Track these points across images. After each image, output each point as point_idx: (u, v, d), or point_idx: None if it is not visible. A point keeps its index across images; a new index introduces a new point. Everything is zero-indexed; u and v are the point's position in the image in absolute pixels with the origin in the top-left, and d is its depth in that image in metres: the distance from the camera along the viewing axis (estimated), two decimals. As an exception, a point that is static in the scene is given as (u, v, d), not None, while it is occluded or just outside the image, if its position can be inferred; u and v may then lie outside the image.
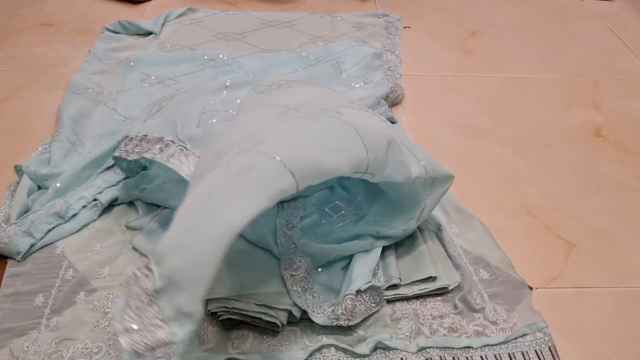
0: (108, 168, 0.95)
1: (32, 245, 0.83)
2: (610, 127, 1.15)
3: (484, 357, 0.72)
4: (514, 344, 0.73)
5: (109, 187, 0.92)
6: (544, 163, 1.05)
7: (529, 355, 0.72)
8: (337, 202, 0.87)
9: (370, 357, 0.71)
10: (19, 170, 0.93)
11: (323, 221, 0.84)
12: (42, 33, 1.41)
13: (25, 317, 0.74)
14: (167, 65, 1.24)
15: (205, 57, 1.27)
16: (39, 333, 0.73)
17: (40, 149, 1.00)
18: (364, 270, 0.75)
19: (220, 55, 1.28)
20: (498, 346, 0.73)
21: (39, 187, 0.92)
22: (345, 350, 0.71)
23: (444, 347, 0.72)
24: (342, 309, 0.71)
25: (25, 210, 0.87)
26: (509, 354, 0.72)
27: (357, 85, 1.20)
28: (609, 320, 0.77)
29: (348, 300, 0.72)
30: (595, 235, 0.91)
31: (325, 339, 0.72)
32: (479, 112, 1.18)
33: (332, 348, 0.71)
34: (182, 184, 0.77)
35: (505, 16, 1.59)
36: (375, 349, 0.72)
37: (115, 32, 1.39)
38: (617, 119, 1.17)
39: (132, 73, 1.22)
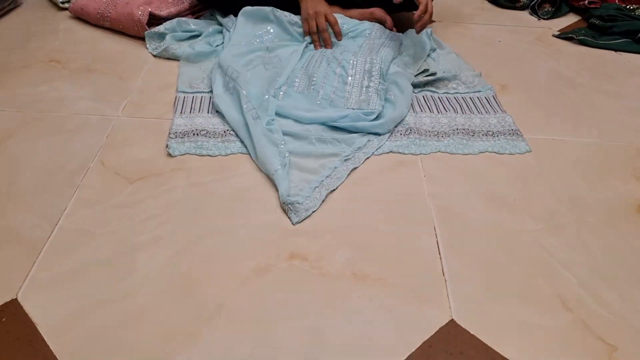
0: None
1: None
2: (655, 202, 1.04)
3: (456, 98, 1.30)
4: (473, 94, 1.32)
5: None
6: (580, 244, 0.94)
7: (480, 100, 1.29)
8: None
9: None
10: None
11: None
12: (47, 70, 1.34)
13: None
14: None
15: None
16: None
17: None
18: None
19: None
20: (463, 94, 1.32)
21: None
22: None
23: (433, 91, 1.32)
24: None
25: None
26: (470, 97, 1.30)
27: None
28: None
29: None
30: (639, 337, 0.79)
31: None
32: (508, 180, 1.07)
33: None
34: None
35: (539, 68, 1.49)
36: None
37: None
38: (662, 194, 1.06)
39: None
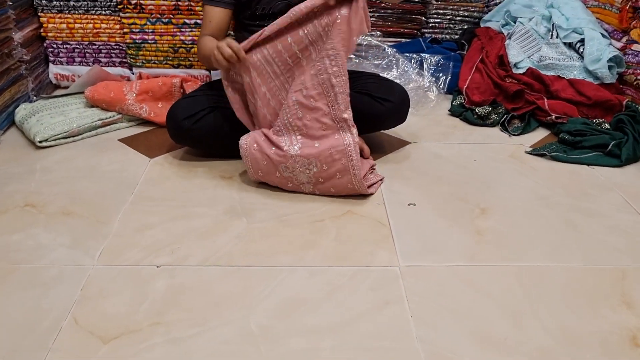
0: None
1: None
2: (648, 332, 1.01)
3: None
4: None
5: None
6: (578, 386, 0.90)
7: None
8: None
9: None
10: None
11: None
12: (23, 216, 1.32)
13: None
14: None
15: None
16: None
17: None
18: None
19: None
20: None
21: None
22: None
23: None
24: None
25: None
26: None
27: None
28: None
29: None
30: None
31: None
32: (497, 315, 1.05)
33: None
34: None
35: (515, 187, 1.51)
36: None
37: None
38: (655, 322, 1.04)
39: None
